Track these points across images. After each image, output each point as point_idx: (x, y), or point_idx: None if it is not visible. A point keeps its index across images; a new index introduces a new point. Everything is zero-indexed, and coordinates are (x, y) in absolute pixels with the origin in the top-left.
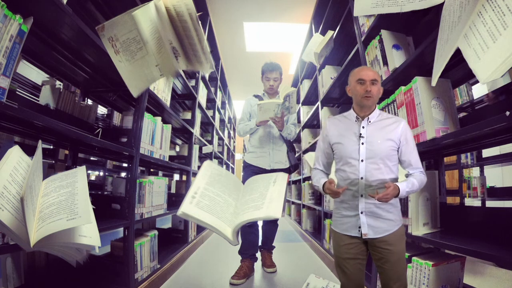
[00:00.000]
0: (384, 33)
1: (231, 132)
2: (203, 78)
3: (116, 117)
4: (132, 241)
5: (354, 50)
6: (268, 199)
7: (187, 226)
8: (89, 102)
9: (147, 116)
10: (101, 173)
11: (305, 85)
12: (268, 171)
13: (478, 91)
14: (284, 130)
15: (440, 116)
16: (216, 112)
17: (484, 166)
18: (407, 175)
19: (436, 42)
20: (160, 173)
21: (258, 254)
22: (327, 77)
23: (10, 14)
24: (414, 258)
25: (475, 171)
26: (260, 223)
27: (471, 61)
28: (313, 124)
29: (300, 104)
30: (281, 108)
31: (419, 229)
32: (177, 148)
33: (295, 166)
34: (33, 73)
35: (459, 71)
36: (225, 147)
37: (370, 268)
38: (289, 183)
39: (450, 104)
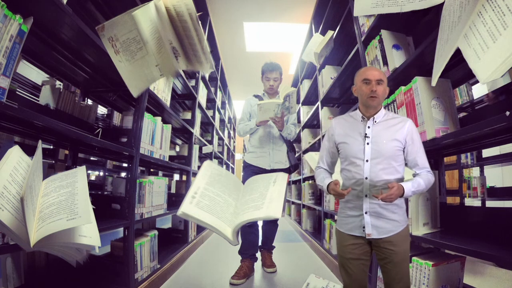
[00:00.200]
0: (384, 33)
1: (231, 132)
2: (203, 78)
3: (116, 117)
4: (132, 241)
5: (354, 50)
6: (268, 199)
7: (187, 226)
8: (89, 102)
9: (147, 116)
10: (101, 173)
11: (305, 85)
12: (268, 171)
13: (478, 91)
14: (284, 130)
15: (440, 116)
16: (216, 112)
17: (484, 166)
18: (414, 175)
19: (436, 42)
20: (160, 173)
21: (258, 254)
22: (327, 77)
23: (10, 14)
24: (414, 258)
25: (475, 171)
26: (260, 223)
27: (471, 61)
28: (313, 124)
29: (300, 104)
30: (281, 108)
31: (419, 229)
32: (177, 148)
33: (295, 166)
34: (33, 73)
35: (459, 71)
36: (225, 147)
37: (370, 269)
38: (289, 183)
39: (450, 104)
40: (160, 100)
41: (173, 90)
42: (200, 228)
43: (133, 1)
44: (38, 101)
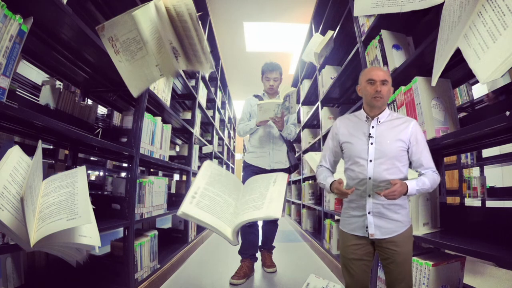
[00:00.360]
0: (384, 33)
1: (231, 132)
2: (203, 78)
3: (116, 117)
4: (132, 241)
5: (354, 50)
6: (268, 199)
7: (187, 226)
8: (89, 102)
9: (147, 116)
10: (101, 173)
11: (305, 85)
12: (268, 171)
13: (478, 91)
14: (284, 130)
15: (440, 116)
16: (216, 112)
17: (484, 166)
18: (419, 175)
19: (436, 42)
20: (160, 173)
21: (258, 254)
22: (327, 77)
23: (10, 14)
24: (414, 258)
25: (475, 171)
26: (260, 223)
27: (471, 61)
28: (313, 124)
29: (300, 104)
30: (281, 108)
31: (419, 229)
32: (177, 148)
33: (295, 166)
34: (33, 73)
35: (459, 71)
36: (225, 147)
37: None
38: (289, 183)
39: (450, 104)
40: (160, 100)
41: (173, 90)
42: (200, 228)
43: (133, 1)
44: (38, 101)
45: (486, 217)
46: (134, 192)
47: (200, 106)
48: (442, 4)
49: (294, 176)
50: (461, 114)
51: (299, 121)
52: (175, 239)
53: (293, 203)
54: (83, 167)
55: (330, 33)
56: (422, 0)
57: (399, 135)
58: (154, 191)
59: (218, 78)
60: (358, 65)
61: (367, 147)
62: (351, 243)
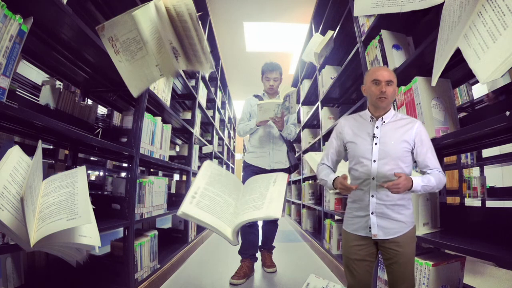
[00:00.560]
0: (384, 33)
1: (231, 132)
2: (203, 78)
3: (116, 117)
4: (132, 241)
5: (354, 50)
6: (268, 199)
7: (187, 226)
8: (89, 102)
9: (147, 116)
10: (101, 173)
11: (305, 85)
12: (268, 171)
13: (478, 91)
14: (284, 130)
15: (440, 116)
16: (216, 112)
17: (484, 166)
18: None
19: (436, 42)
20: (160, 173)
21: (258, 254)
22: (327, 77)
23: (10, 14)
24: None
25: (475, 171)
26: (260, 223)
27: (471, 61)
28: (313, 124)
29: (300, 104)
30: (281, 108)
31: (419, 229)
32: (177, 148)
33: (295, 166)
34: (33, 73)
35: (459, 71)
36: (225, 147)
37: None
38: (289, 183)
39: (450, 104)
40: (160, 100)
41: (173, 90)
42: (200, 228)
43: (133, 1)
44: (38, 101)
45: (486, 217)
46: (134, 192)
47: (200, 106)
48: (442, 4)
49: (294, 176)
50: (461, 114)
51: (299, 121)
52: (175, 239)
53: (293, 203)
54: (83, 167)
55: (330, 33)
56: (422, 0)
57: (404, 136)
58: (154, 191)
59: (218, 78)
60: (358, 65)
61: (371, 147)
62: (354, 243)
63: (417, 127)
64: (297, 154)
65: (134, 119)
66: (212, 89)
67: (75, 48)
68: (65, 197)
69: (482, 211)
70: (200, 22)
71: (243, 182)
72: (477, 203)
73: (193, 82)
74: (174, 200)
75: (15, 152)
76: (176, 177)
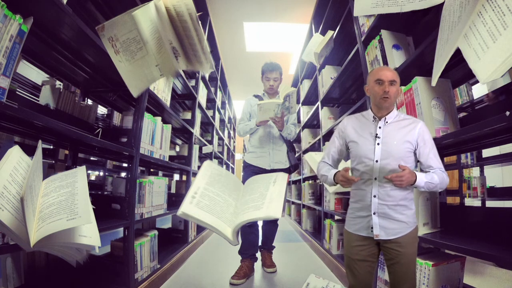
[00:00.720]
0: (384, 33)
1: (231, 132)
2: (203, 78)
3: (116, 117)
4: (132, 241)
5: (354, 50)
6: (268, 199)
7: (187, 226)
8: (89, 102)
9: (147, 116)
10: (101, 173)
11: (305, 85)
12: (268, 171)
13: (478, 91)
14: (284, 130)
15: (440, 116)
16: (216, 112)
17: (484, 166)
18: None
19: (436, 42)
20: (160, 173)
21: (258, 254)
22: (327, 77)
23: (10, 14)
24: None
25: (475, 171)
26: (260, 223)
27: (471, 61)
28: (313, 124)
29: (300, 104)
30: (281, 108)
31: (419, 229)
32: (177, 148)
33: (295, 166)
34: (33, 73)
35: (459, 71)
36: (225, 147)
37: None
38: (289, 183)
39: (450, 104)
40: (160, 100)
41: (173, 90)
42: (200, 228)
43: (133, 1)
44: (38, 101)
45: (486, 217)
46: (134, 192)
47: (200, 106)
48: (442, 4)
49: (294, 176)
50: (461, 114)
51: (299, 121)
52: (175, 239)
53: (293, 203)
54: (83, 167)
55: (330, 33)
56: (422, 0)
57: (406, 136)
58: (154, 191)
59: (218, 78)
60: (358, 65)
61: (373, 148)
62: (355, 243)
63: (420, 127)
64: (297, 154)
65: (134, 119)
66: (212, 89)
67: (75, 48)
68: (65, 197)
69: (482, 211)
70: (200, 22)
71: (243, 182)
72: (477, 203)
73: (193, 82)
74: (174, 200)
75: (15, 152)
76: (176, 177)
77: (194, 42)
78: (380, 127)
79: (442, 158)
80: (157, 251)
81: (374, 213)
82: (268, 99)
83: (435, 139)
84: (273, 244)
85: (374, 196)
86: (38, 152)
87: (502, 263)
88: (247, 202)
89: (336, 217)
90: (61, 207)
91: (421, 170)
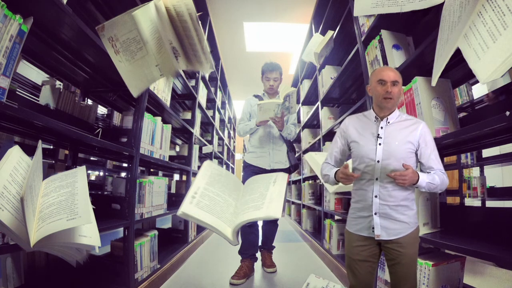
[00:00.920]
0: (384, 33)
1: (231, 132)
2: (203, 78)
3: (116, 117)
4: (132, 241)
5: (354, 50)
6: (268, 199)
7: (187, 226)
8: (89, 102)
9: (147, 116)
10: (101, 173)
11: (305, 85)
12: (268, 171)
13: (478, 91)
14: (284, 130)
15: (440, 116)
16: (216, 112)
17: (484, 166)
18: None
19: (436, 42)
20: (160, 173)
21: (258, 254)
22: (327, 77)
23: (10, 14)
24: None
25: (475, 171)
26: (260, 223)
27: (471, 61)
28: (313, 124)
29: (300, 104)
30: (281, 108)
31: (419, 229)
32: (177, 148)
33: (295, 166)
34: (33, 73)
35: (459, 71)
36: (225, 147)
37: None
38: (289, 183)
39: (450, 104)
40: (160, 100)
41: (173, 90)
42: (200, 228)
43: (133, 1)
44: (38, 101)
45: (486, 217)
46: (134, 192)
47: (200, 106)
48: (442, 4)
49: (294, 176)
50: (461, 114)
51: (299, 121)
52: (175, 239)
53: (293, 203)
54: (83, 167)
55: (330, 33)
56: (422, 0)
57: (408, 137)
58: (154, 191)
59: (218, 78)
60: (358, 65)
61: (375, 148)
62: (356, 243)
63: (422, 128)
64: (297, 154)
65: (134, 119)
66: (212, 89)
67: (75, 48)
68: (65, 197)
69: (482, 211)
70: (200, 22)
71: (243, 182)
72: (477, 203)
73: (193, 82)
74: (174, 200)
75: (15, 152)
76: (176, 177)
77: (194, 42)
78: (382, 127)
79: (442, 158)
80: (157, 251)
81: (375, 213)
82: (268, 99)
83: (435, 139)
84: (273, 244)
85: (376, 196)
86: (38, 152)
87: (502, 263)
88: (247, 202)
89: (336, 217)
90: (61, 207)
91: (421, 171)
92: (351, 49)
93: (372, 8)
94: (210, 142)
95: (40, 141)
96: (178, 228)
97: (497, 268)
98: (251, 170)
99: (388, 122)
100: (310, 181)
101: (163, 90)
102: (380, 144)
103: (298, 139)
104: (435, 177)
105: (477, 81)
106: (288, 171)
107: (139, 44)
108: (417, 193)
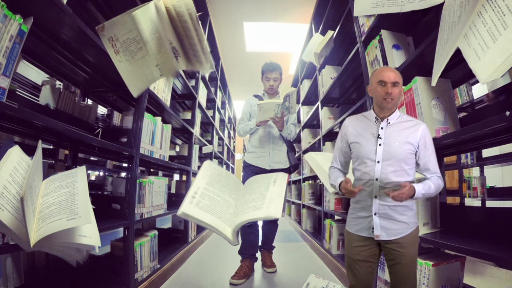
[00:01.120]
0: (384, 33)
1: (231, 132)
2: (203, 78)
3: (116, 117)
4: (132, 241)
5: (354, 50)
6: (268, 199)
7: (187, 226)
8: (89, 102)
9: (147, 116)
10: (101, 173)
11: (305, 85)
12: (268, 171)
13: (478, 91)
14: (284, 130)
15: (440, 116)
16: (216, 112)
17: (484, 166)
18: (423, 179)
19: (436, 42)
20: (160, 173)
21: (258, 254)
22: (327, 77)
23: (10, 14)
24: None
25: (475, 171)
26: (260, 223)
27: (471, 61)
28: (313, 124)
29: (300, 104)
30: (281, 108)
31: (419, 229)
32: (177, 148)
33: (295, 166)
34: (33, 73)
35: (459, 71)
36: (225, 147)
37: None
38: (289, 183)
39: (450, 104)
40: (160, 100)
41: (173, 90)
42: (200, 228)
43: (133, 1)
44: (38, 101)
45: (486, 217)
46: (134, 192)
47: (200, 106)
48: (442, 4)
49: (294, 176)
50: (461, 114)
51: (299, 121)
52: (175, 239)
53: (293, 203)
54: (83, 167)
55: (330, 33)
56: (422, 0)
57: (408, 138)
58: (154, 191)
59: (218, 78)
60: (358, 65)
61: (375, 148)
62: (356, 244)
63: (422, 130)
64: (297, 154)
65: (134, 119)
66: (212, 89)
67: (75, 48)
68: (65, 197)
69: (482, 211)
70: (200, 22)
71: (243, 182)
72: (477, 203)
73: (193, 82)
74: (174, 200)
75: (15, 152)
76: (176, 177)
77: (194, 42)
78: (382, 128)
79: (442, 158)
80: (157, 251)
81: (375, 214)
82: (268, 99)
83: (435, 139)
84: (273, 244)
85: (375, 197)
86: (38, 152)
87: (502, 263)
88: (247, 202)
89: (336, 217)
90: (61, 207)
91: (417, 171)
92: (351, 49)
93: (372, 8)
94: (210, 142)
95: (40, 141)
96: (178, 228)
97: (497, 268)
98: (251, 170)
99: (389, 123)
100: (310, 181)
101: (163, 90)
102: (380, 144)
103: (298, 139)
104: (431, 185)
105: (477, 81)
106: (288, 171)
107: (139, 44)
108: None
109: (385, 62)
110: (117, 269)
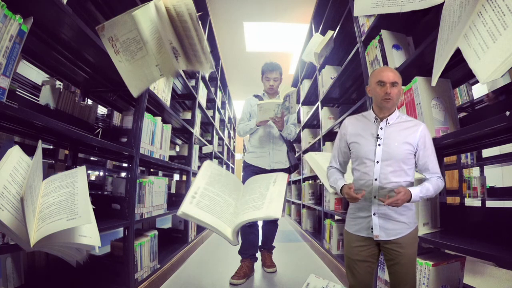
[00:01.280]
0: (384, 33)
1: (231, 132)
2: (203, 78)
3: (116, 117)
4: (132, 241)
5: (354, 50)
6: (268, 199)
7: (187, 226)
8: (89, 102)
9: (147, 116)
10: (101, 173)
11: (305, 85)
12: (268, 171)
13: (478, 91)
14: (284, 130)
15: (440, 116)
16: (216, 112)
17: (484, 166)
18: (423, 180)
19: (436, 42)
20: (160, 173)
21: (258, 254)
22: (327, 77)
23: (10, 14)
24: None
25: (475, 171)
26: (260, 223)
27: (471, 61)
28: (313, 124)
29: (300, 104)
30: (281, 108)
31: (419, 229)
32: (177, 148)
33: (295, 166)
34: (33, 73)
35: (459, 71)
36: (225, 147)
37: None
38: (289, 183)
39: (450, 104)
40: (160, 100)
41: (173, 90)
42: (200, 228)
43: (133, 1)
44: (38, 101)
45: (486, 217)
46: (134, 192)
47: (200, 106)
48: (442, 4)
49: (294, 176)
50: (461, 114)
51: (299, 121)
52: (175, 239)
53: (293, 203)
54: (83, 167)
55: (330, 33)
56: (422, 0)
57: (407, 138)
58: (154, 191)
59: (218, 78)
60: (358, 65)
61: (374, 148)
62: (355, 244)
63: (422, 130)
64: (297, 154)
65: (134, 119)
66: (212, 89)
67: (75, 48)
68: (65, 197)
69: (482, 211)
70: (200, 22)
71: (243, 182)
72: (477, 203)
73: (193, 82)
74: (174, 200)
75: (15, 152)
76: (176, 177)
77: (194, 42)
78: (381, 128)
79: (442, 158)
80: (157, 251)
81: (374, 214)
82: (268, 99)
83: (435, 139)
84: (273, 244)
85: (375, 197)
86: (38, 152)
87: (502, 263)
88: (247, 202)
89: (336, 217)
90: (61, 207)
91: (417, 171)
92: (351, 49)
93: (372, 8)
94: (210, 142)
95: (40, 141)
96: (178, 228)
97: (497, 268)
98: (251, 170)
99: (388, 123)
100: (310, 181)
101: (163, 90)
102: (379, 145)
103: (298, 139)
104: (429, 187)
105: (477, 81)
106: (288, 171)
107: (139, 44)
108: None
109: (385, 62)
110: (117, 269)
